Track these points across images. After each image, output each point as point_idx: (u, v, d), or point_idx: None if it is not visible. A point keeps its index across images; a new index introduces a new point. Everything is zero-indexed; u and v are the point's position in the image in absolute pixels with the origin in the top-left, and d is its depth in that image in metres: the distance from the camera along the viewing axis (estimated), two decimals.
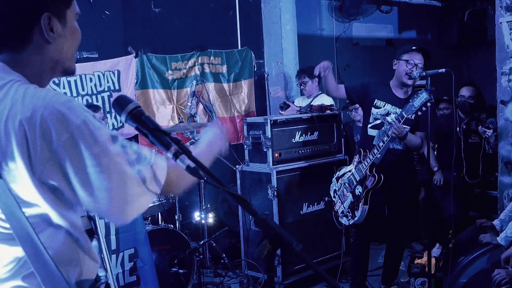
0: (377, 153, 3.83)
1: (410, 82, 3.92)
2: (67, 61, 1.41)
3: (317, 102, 5.26)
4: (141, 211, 1.34)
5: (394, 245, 4.28)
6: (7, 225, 1.27)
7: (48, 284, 1.27)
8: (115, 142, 1.28)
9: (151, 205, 4.30)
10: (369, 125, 4.07)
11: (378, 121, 4.03)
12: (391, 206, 4.16)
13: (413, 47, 3.99)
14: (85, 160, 1.23)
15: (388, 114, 3.99)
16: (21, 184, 1.25)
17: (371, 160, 3.86)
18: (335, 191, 4.25)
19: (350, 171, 4.10)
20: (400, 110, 3.85)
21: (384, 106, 4.02)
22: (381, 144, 3.81)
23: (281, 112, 5.25)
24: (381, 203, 4.10)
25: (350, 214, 4.06)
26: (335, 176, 4.27)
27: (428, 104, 3.58)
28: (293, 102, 5.46)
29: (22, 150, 1.21)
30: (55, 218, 1.31)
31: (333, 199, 4.26)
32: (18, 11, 1.30)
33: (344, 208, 4.12)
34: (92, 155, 1.23)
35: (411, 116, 3.72)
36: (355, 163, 4.05)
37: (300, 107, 5.18)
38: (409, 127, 3.89)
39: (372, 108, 4.04)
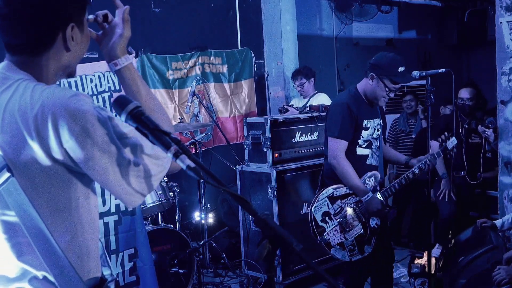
0: (397, 186, 3.43)
1: (383, 103, 3.57)
2: (75, 64, 1.49)
3: (314, 101, 5.26)
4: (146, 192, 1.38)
5: (382, 279, 3.72)
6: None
7: (61, 280, 1.30)
8: (122, 132, 1.32)
9: (151, 205, 4.29)
10: (358, 146, 3.53)
11: (367, 143, 3.57)
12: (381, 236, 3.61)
13: (402, 74, 3.41)
14: (95, 149, 1.28)
15: (367, 129, 3.55)
16: (34, 177, 1.29)
17: (393, 192, 3.44)
18: (327, 214, 3.45)
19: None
20: (379, 124, 3.58)
21: (369, 124, 3.55)
22: (411, 175, 3.42)
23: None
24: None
25: (357, 249, 3.41)
26: (325, 195, 3.48)
27: (454, 149, 3.65)
28: (290, 104, 5.46)
29: (40, 142, 1.26)
30: (64, 212, 1.34)
31: (321, 223, 3.43)
32: (46, 20, 1.36)
33: (346, 239, 3.41)
34: (101, 143, 1.28)
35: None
36: (368, 186, 3.43)
37: (297, 107, 5.19)
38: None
39: (363, 131, 3.52)
